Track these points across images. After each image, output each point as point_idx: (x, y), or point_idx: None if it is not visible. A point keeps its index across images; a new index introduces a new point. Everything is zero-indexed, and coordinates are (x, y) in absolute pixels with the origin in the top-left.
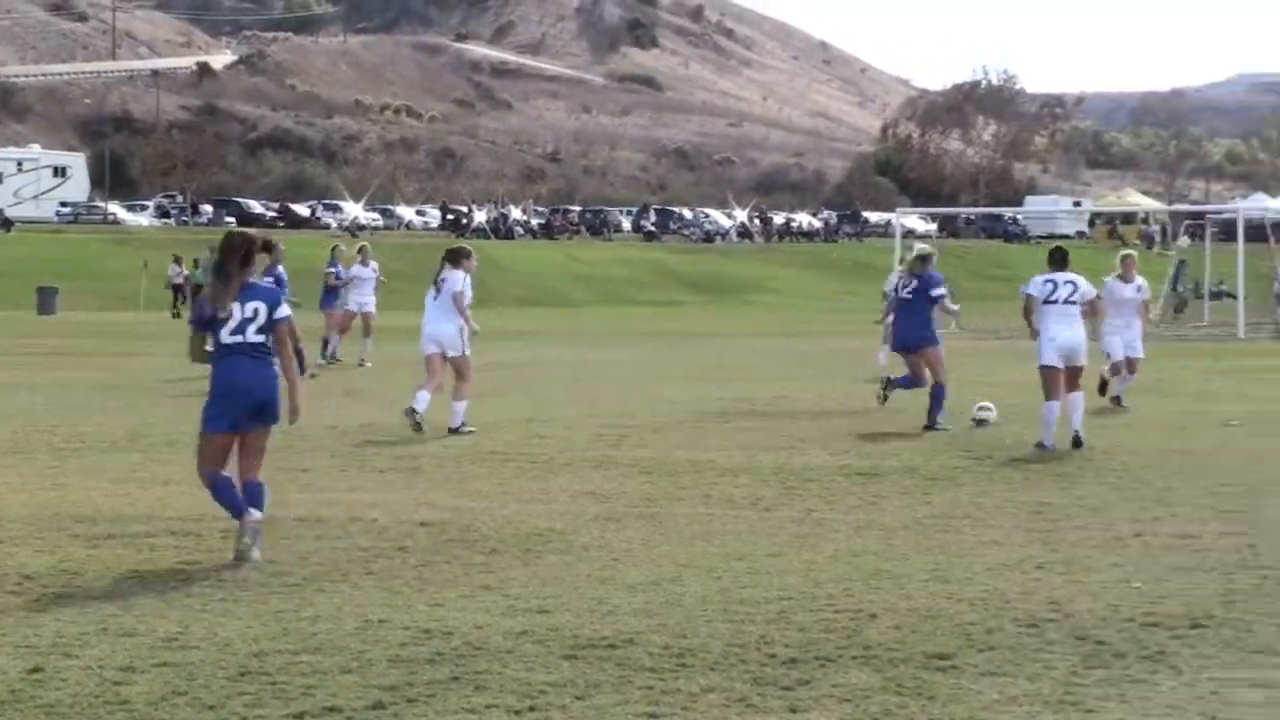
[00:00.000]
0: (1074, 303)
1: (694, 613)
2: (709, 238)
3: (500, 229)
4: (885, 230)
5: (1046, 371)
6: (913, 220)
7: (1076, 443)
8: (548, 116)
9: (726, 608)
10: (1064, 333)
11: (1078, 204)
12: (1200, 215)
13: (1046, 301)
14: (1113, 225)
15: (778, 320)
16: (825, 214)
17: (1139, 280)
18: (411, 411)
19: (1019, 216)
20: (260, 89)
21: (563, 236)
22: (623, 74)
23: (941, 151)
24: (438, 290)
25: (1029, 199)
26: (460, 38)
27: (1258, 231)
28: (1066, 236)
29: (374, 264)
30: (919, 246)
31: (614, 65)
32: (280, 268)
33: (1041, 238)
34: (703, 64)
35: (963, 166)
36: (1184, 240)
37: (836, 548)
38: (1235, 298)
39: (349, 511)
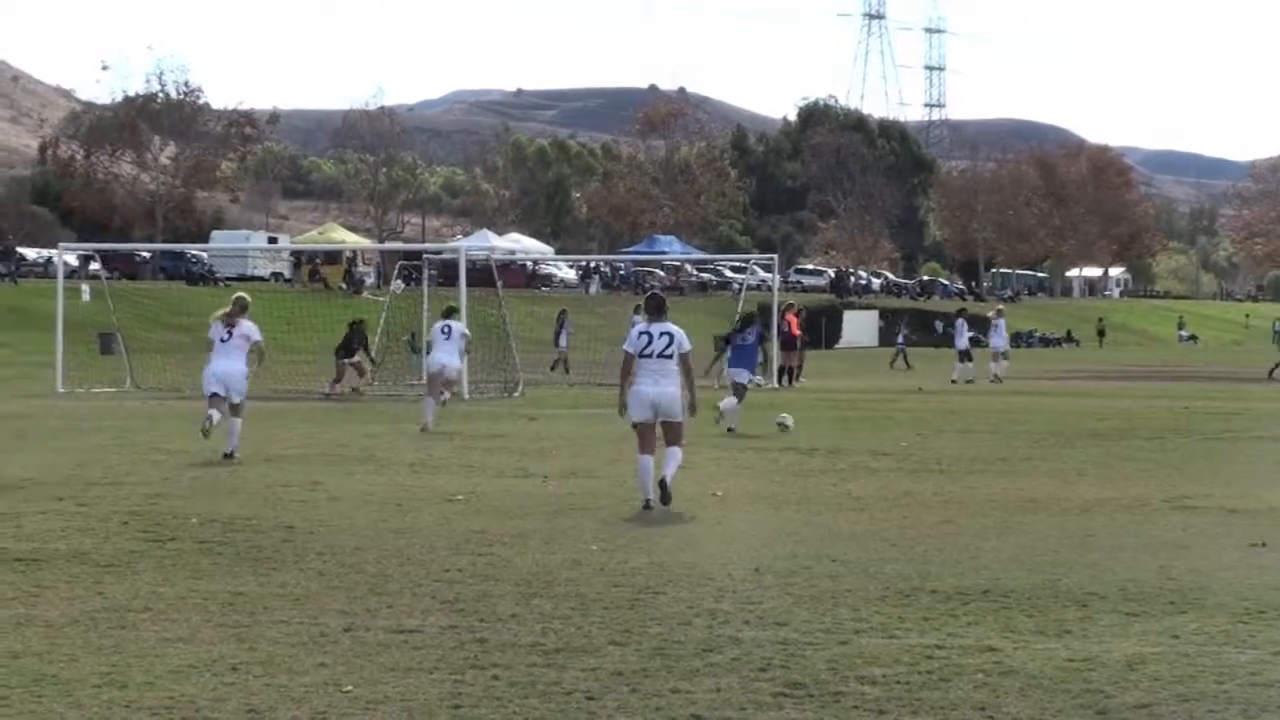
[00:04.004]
0: (669, 356)
1: None
2: None
3: None
4: (46, 270)
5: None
6: (75, 258)
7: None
8: None
9: None
10: (653, 389)
11: (274, 240)
12: (417, 255)
13: (641, 355)
14: (314, 265)
15: None
16: None
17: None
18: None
19: (204, 255)
20: None
21: None
22: None
23: (112, 177)
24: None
25: (216, 234)
26: None
27: (484, 275)
28: (261, 278)
29: None
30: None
31: None
32: None
33: (232, 279)
34: None
35: (137, 195)
36: (398, 284)
37: None
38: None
39: None
